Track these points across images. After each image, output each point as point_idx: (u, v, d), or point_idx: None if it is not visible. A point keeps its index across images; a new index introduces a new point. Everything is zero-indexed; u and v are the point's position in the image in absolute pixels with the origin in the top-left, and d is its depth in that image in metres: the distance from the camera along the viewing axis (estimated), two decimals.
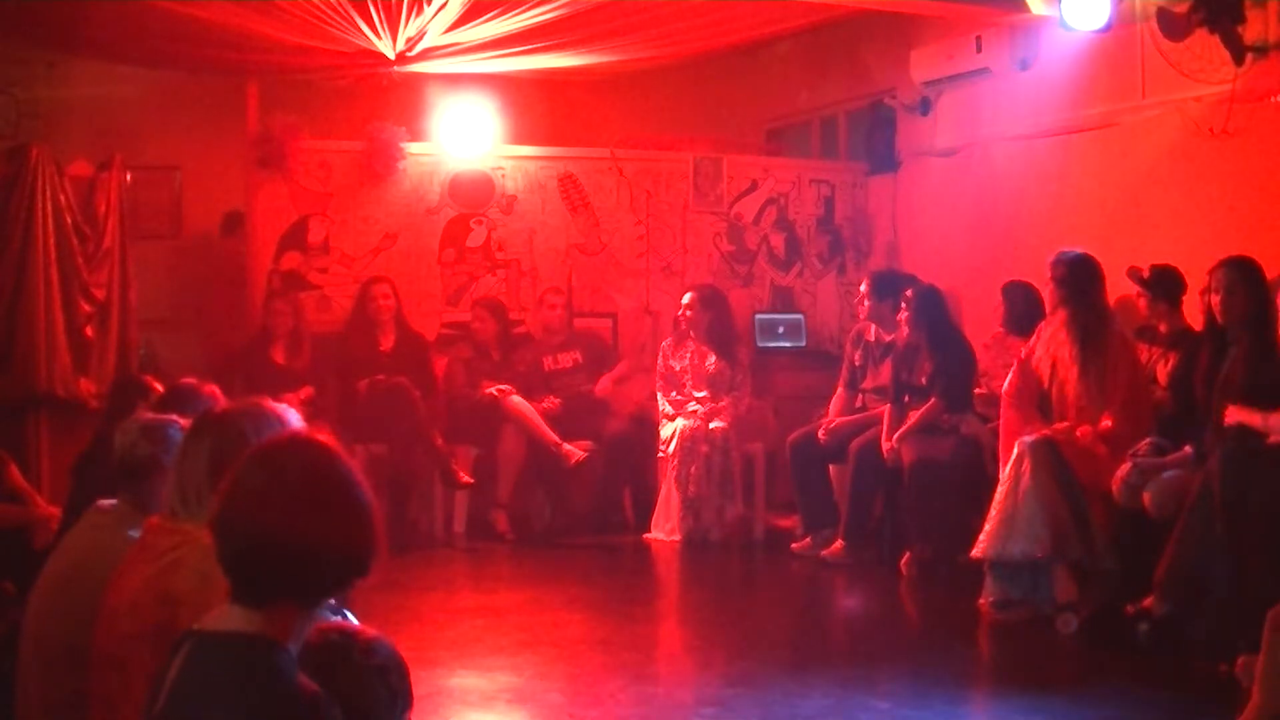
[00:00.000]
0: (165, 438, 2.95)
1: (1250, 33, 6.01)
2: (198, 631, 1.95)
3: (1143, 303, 6.06)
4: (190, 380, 3.64)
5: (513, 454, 7.51)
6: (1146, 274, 6.00)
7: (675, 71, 9.03)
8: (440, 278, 8.11)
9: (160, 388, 4.23)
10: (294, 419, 2.63)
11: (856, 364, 7.25)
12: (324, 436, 2.00)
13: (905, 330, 6.75)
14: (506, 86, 8.25)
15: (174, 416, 3.11)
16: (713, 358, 7.59)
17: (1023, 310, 6.36)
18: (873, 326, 7.23)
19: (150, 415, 3.10)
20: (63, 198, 6.98)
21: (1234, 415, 4.74)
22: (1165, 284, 5.94)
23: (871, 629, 5.95)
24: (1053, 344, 5.67)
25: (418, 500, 7.44)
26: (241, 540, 1.90)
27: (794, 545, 7.02)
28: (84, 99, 8.32)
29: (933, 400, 6.48)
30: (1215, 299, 4.98)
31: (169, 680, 1.94)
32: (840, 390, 7.28)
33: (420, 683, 4.35)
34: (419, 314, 7.90)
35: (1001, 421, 5.86)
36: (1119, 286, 6.18)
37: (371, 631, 2.21)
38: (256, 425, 2.53)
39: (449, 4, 6.56)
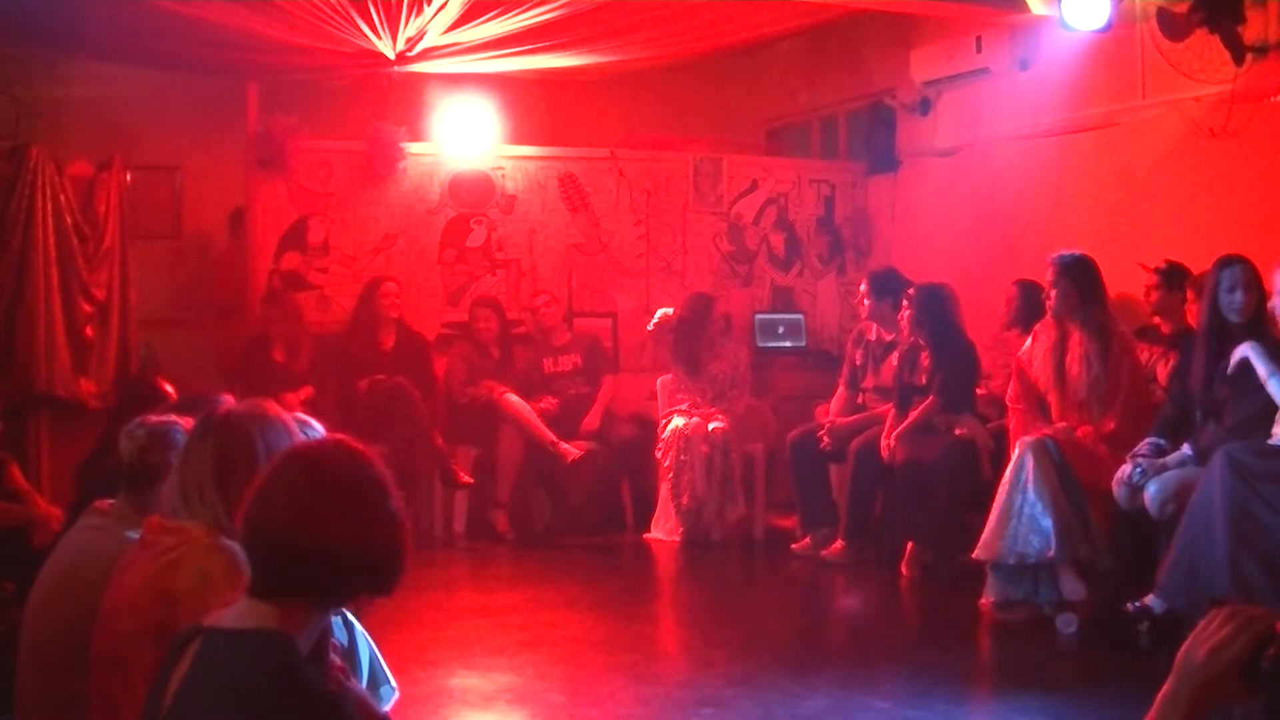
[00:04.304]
0: (171, 442, 2.95)
1: (1250, 33, 6.02)
2: (208, 628, 1.95)
3: (1156, 295, 6.06)
4: (208, 392, 3.63)
5: (511, 454, 7.51)
6: (1161, 266, 6.03)
7: (675, 71, 9.04)
8: (440, 278, 8.11)
9: (172, 390, 4.23)
10: (315, 428, 2.66)
11: (857, 363, 7.25)
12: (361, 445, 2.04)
13: (905, 329, 6.75)
14: (506, 86, 8.25)
15: (174, 417, 3.10)
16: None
17: (1034, 308, 6.31)
18: (873, 326, 7.23)
19: (154, 418, 3.09)
20: (63, 198, 6.98)
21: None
22: (1178, 278, 5.97)
23: (871, 629, 5.95)
24: (1052, 345, 5.66)
25: (418, 500, 7.44)
26: (270, 534, 1.93)
27: (794, 545, 7.01)
28: (84, 99, 8.30)
29: (930, 399, 6.48)
30: (1234, 296, 4.96)
31: (178, 676, 1.94)
32: (841, 390, 7.27)
33: (420, 683, 4.39)
34: (419, 314, 7.90)
35: (1010, 425, 5.85)
36: (1119, 286, 6.18)
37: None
38: (261, 427, 2.54)
39: (449, 4, 6.56)
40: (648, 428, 7.77)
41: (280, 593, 1.93)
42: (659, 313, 7.81)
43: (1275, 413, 4.75)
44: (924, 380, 6.58)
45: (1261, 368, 4.81)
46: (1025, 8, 6.69)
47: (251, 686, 1.85)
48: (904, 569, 6.34)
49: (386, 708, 2.87)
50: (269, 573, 1.94)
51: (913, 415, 6.49)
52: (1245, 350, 4.88)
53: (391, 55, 7.28)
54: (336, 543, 1.92)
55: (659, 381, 7.79)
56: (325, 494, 1.94)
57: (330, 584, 1.96)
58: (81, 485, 4.53)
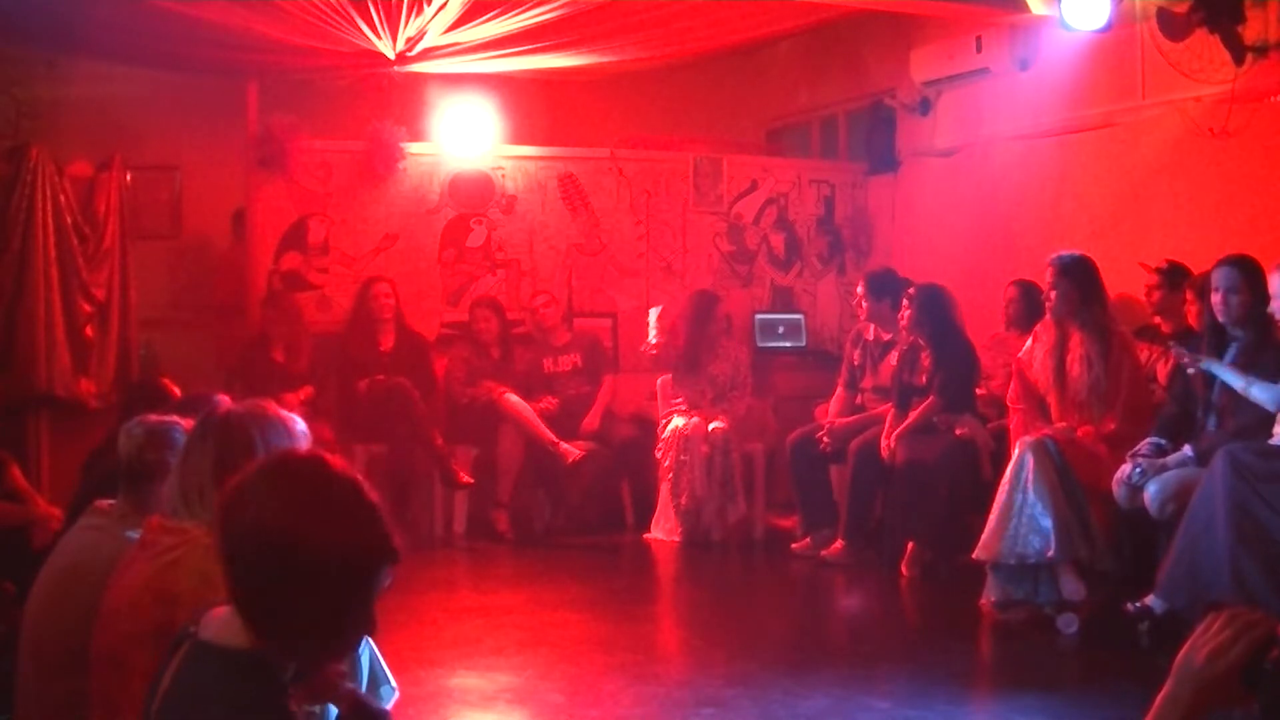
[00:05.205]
0: (170, 441, 2.95)
1: (1250, 33, 6.02)
2: (195, 636, 1.93)
3: (1156, 295, 6.07)
4: (208, 392, 3.63)
5: (512, 454, 7.51)
6: (1162, 266, 6.04)
7: (675, 71, 9.04)
8: (440, 278, 8.11)
9: (178, 391, 4.24)
10: (300, 426, 2.63)
11: (856, 363, 7.25)
12: (338, 459, 1.92)
13: (904, 330, 6.74)
14: (506, 86, 8.25)
15: (174, 417, 3.10)
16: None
17: (1034, 309, 6.31)
18: (871, 326, 7.23)
19: (154, 418, 3.09)
20: (63, 198, 6.99)
21: None
22: (1178, 278, 5.97)
23: (871, 629, 5.94)
24: (1052, 346, 5.66)
25: (418, 500, 7.44)
26: (236, 530, 1.84)
27: (794, 545, 7.01)
28: (84, 99, 8.30)
29: (930, 399, 6.48)
30: (1218, 297, 4.98)
31: (165, 682, 1.94)
32: (840, 390, 7.27)
33: (420, 683, 4.39)
34: (419, 314, 7.90)
35: (1010, 425, 5.85)
36: (1119, 286, 6.19)
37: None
38: (261, 428, 2.54)
39: (449, 4, 6.56)
40: (648, 428, 7.77)
41: (255, 607, 1.83)
42: (651, 341, 7.67)
43: (1276, 416, 4.76)
44: (924, 380, 6.58)
45: (1236, 382, 4.85)
46: (1025, 8, 6.69)
47: (223, 709, 1.82)
48: (904, 569, 6.34)
49: (386, 708, 2.87)
50: (244, 591, 1.83)
51: (913, 415, 6.49)
52: (1210, 370, 4.94)
53: (391, 55, 7.28)
54: (303, 537, 1.79)
55: (659, 381, 7.79)
56: (287, 486, 1.84)
57: (301, 592, 1.80)
58: (85, 479, 4.53)
